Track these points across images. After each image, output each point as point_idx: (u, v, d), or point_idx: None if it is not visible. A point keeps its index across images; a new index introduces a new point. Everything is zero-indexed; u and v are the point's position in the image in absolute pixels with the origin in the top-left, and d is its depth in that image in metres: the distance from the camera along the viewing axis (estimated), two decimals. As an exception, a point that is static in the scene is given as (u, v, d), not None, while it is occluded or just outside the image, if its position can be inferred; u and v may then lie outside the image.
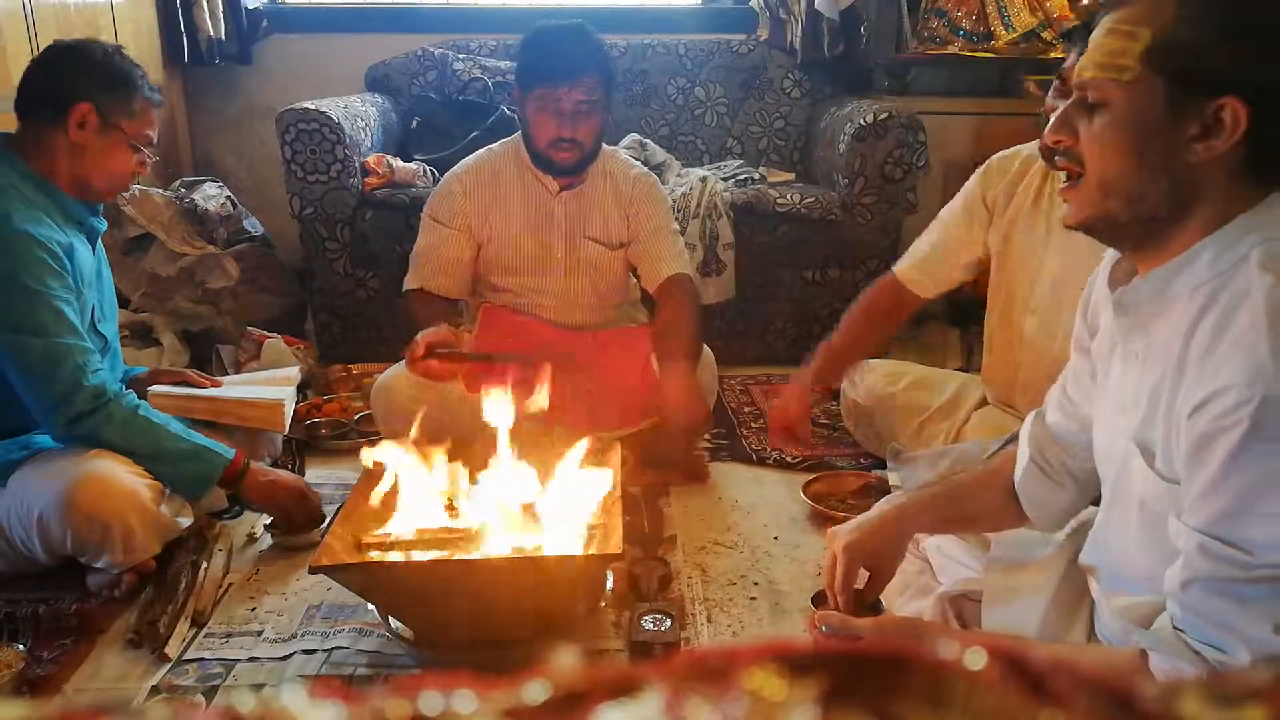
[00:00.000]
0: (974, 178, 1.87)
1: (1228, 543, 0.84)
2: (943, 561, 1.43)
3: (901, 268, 1.95)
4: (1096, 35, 0.93)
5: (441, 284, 2.14)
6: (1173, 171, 0.89)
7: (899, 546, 1.29)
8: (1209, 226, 0.90)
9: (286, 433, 2.13)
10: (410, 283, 2.15)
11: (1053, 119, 0.97)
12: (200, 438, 1.73)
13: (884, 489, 1.89)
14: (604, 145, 2.19)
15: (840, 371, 2.09)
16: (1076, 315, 1.18)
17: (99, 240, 1.82)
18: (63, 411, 1.60)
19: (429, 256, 2.14)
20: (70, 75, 1.66)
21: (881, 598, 1.46)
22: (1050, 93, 1.64)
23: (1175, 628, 0.89)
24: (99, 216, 1.79)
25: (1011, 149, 1.86)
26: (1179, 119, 0.87)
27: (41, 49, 1.78)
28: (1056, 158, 0.99)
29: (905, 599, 1.45)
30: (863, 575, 1.27)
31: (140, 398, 1.74)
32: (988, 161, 1.87)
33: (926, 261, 1.92)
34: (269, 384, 2.13)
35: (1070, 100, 0.96)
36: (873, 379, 2.12)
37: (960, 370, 2.41)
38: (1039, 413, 1.24)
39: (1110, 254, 1.06)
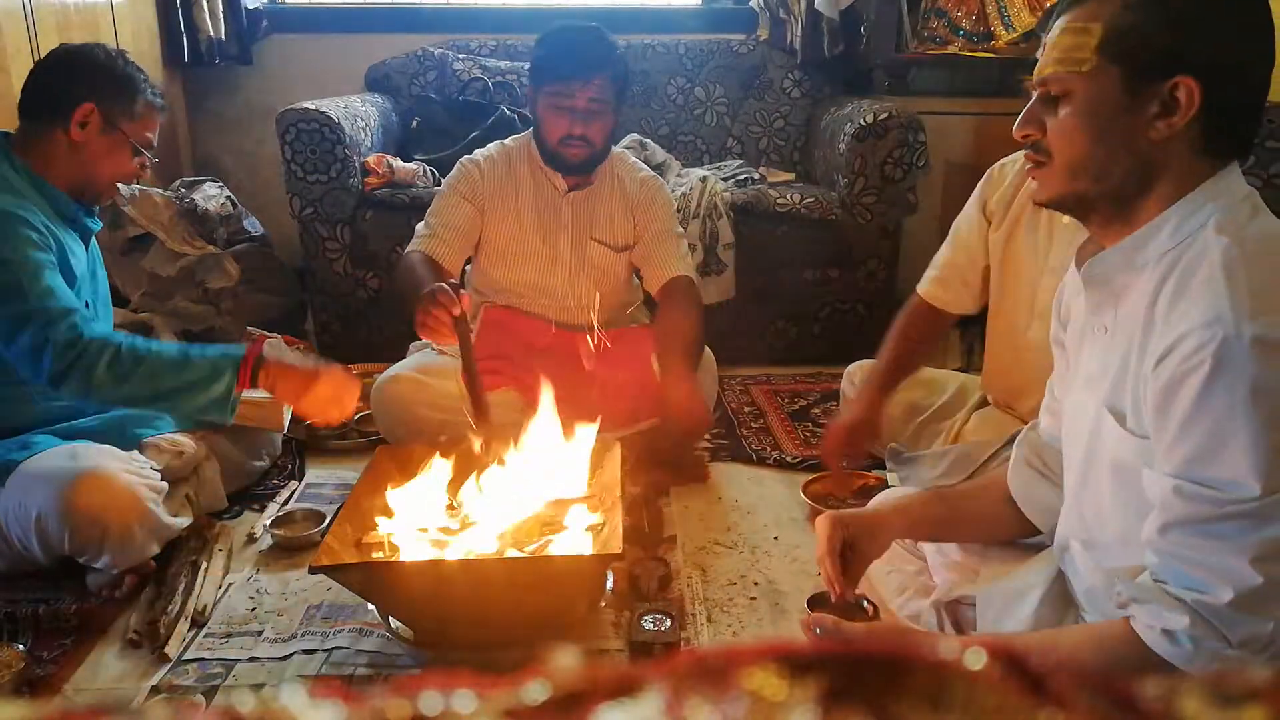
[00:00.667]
0: (978, 186, 1.87)
1: (1200, 483, 0.88)
2: (940, 561, 1.43)
3: (925, 288, 1.93)
4: (1052, 35, 1.00)
5: (441, 250, 2.10)
6: (1136, 149, 0.96)
7: (884, 530, 1.32)
8: (1171, 198, 0.97)
9: (286, 432, 2.13)
10: (411, 246, 2.12)
11: (1020, 116, 1.03)
12: (198, 350, 1.62)
13: (884, 489, 1.89)
14: (611, 147, 2.20)
15: (885, 398, 1.92)
16: (1051, 318, 1.21)
17: (92, 239, 1.81)
18: (46, 371, 1.54)
19: (438, 223, 2.12)
20: (74, 76, 1.67)
21: (879, 598, 1.46)
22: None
23: (1156, 579, 0.92)
24: (94, 217, 1.79)
25: (1012, 155, 1.86)
26: (1138, 101, 0.95)
27: (42, 49, 1.78)
28: (1025, 151, 1.05)
29: (904, 599, 1.45)
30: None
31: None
32: (989, 169, 1.86)
33: (946, 278, 1.90)
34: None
35: (1034, 98, 1.02)
36: (872, 379, 2.12)
37: (960, 370, 2.41)
38: (1033, 424, 1.29)
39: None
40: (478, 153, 2.22)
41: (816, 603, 1.44)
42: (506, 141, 2.23)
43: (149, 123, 1.74)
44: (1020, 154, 1.82)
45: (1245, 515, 0.86)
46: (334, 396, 1.67)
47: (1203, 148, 0.95)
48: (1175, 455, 0.89)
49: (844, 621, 1.21)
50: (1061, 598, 1.16)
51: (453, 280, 1.79)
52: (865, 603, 1.51)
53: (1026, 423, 1.79)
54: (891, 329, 1.97)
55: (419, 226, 2.15)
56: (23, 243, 1.57)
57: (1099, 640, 0.98)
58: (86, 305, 1.72)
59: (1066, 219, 1.70)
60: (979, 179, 1.87)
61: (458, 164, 2.21)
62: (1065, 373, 1.19)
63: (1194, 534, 0.89)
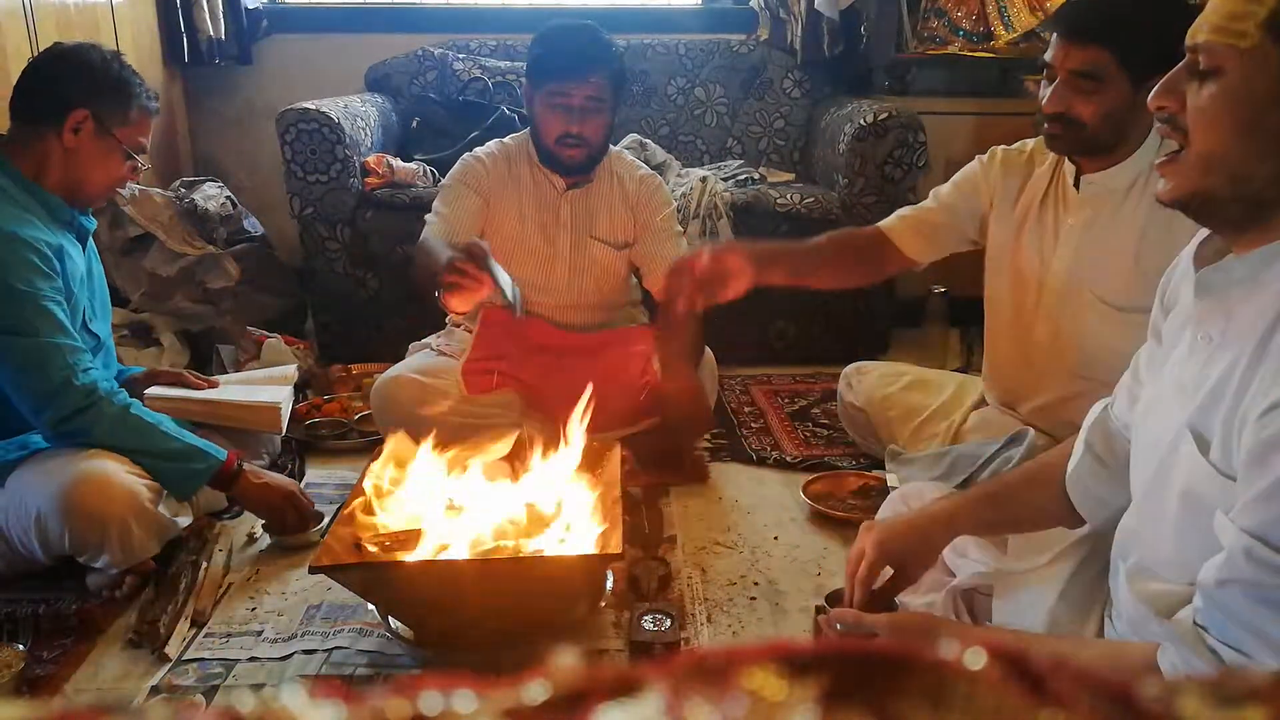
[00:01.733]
0: (976, 161, 1.82)
1: (1278, 549, 0.80)
2: (954, 558, 1.43)
3: (889, 222, 1.85)
4: None
5: (456, 232, 2.06)
6: None
7: (932, 551, 1.25)
8: None
9: (284, 433, 2.12)
10: (425, 235, 2.08)
11: (1160, 82, 0.89)
12: (192, 437, 1.72)
13: (883, 490, 1.89)
14: (610, 146, 2.20)
15: (778, 269, 1.72)
16: (1155, 300, 1.10)
17: (89, 239, 1.81)
18: (52, 411, 1.59)
19: (448, 211, 2.10)
20: (68, 80, 1.66)
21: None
22: (1042, 85, 1.58)
23: (1196, 623, 0.86)
24: (88, 216, 1.78)
25: (1018, 142, 1.81)
26: None
27: (41, 50, 1.78)
28: (1157, 124, 0.91)
29: (917, 594, 1.44)
30: (886, 572, 1.25)
31: (136, 398, 1.74)
32: (993, 149, 1.81)
33: (915, 222, 1.83)
34: (266, 383, 2.13)
35: (1179, 63, 0.88)
36: (870, 380, 2.12)
37: (960, 370, 2.41)
38: (1105, 404, 1.17)
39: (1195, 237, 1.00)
40: (478, 150, 2.22)
41: (836, 599, 1.42)
42: (505, 140, 2.23)
43: (143, 128, 1.73)
44: (1024, 141, 1.81)
45: None
46: (296, 515, 1.81)
47: None
48: (1259, 513, 0.80)
49: (865, 614, 1.17)
50: (1082, 594, 1.12)
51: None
52: None
53: (1026, 423, 1.80)
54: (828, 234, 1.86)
55: (429, 216, 2.13)
56: (29, 270, 1.57)
57: (1117, 661, 0.94)
58: (84, 309, 1.72)
59: (1071, 220, 1.69)
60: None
61: (460, 160, 2.21)
62: (1157, 362, 1.07)
63: (1255, 599, 0.81)
